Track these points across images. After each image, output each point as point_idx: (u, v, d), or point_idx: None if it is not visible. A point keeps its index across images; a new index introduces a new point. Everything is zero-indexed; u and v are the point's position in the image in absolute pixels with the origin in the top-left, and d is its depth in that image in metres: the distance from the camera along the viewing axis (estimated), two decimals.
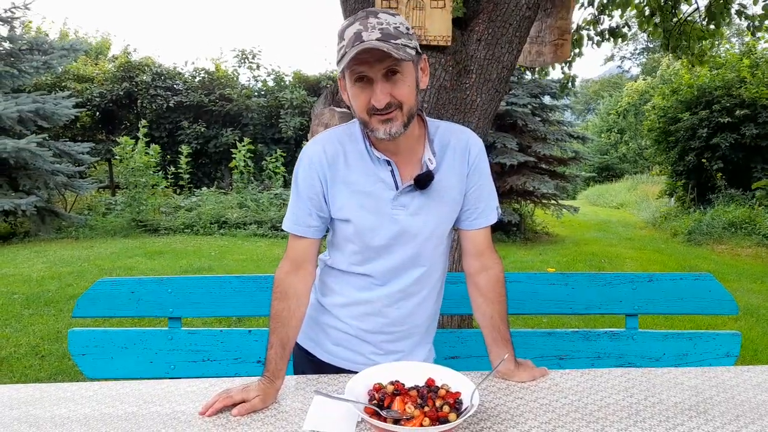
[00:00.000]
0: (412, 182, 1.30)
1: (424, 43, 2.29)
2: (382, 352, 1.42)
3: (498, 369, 1.34)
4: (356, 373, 1.23)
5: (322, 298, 1.45)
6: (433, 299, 1.45)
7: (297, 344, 1.46)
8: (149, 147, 10.96)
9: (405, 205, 1.32)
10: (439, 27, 2.28)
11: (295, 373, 1.48)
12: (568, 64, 5.25)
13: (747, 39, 12.97)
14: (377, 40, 1.15)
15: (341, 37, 1.21)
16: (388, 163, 1.31)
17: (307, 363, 1.47)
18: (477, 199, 1.40)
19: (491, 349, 1.42)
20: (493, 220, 1.43)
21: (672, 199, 13.05)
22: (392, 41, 1.16)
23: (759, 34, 4.72)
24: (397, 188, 1.31)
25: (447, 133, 1.38)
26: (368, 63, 1.17)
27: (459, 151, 1.37)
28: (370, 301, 1.38)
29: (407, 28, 1.21)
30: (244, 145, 11.63)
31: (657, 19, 4.75)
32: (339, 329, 1.42)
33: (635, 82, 26.32)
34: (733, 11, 4.59)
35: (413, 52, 1.21)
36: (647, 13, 4.79)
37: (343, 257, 1.39)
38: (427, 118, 1.36)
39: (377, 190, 1.31)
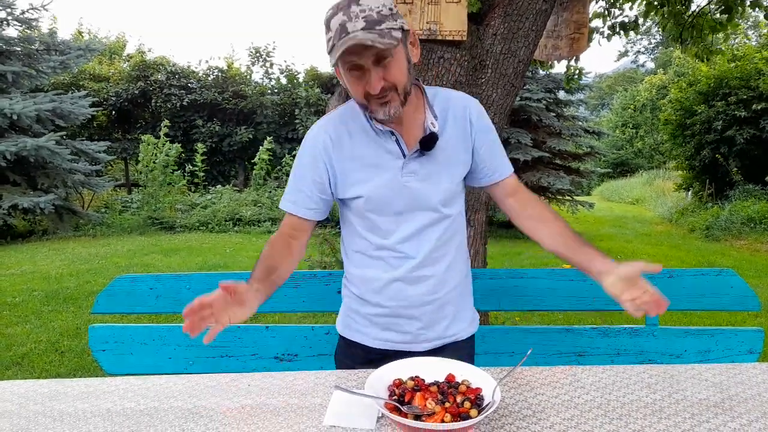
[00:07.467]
0: (418, 146, 1.32)
1: (440, 38, 2.28)
2: (429, 323, 1.42)
3: (606, 288, 1.25)
4: (408, 354, 1.26)
5: (358, 290, 1.45)
6: (462, 260, 1.47)
7: (345, 339, 1.50)
8: (171, 146, 11.10)
9: (415, 172, 1.34)
10: (454, 22, 2.26)
11: (343, 367, 1.48)
12: (574, 57, 5.18)
13: (764, 31, 12.75)
14: (362, 30, 1.17)
15: (328, 27, 1.23)
16: (392, 133, 1.33)
17: (358, 354, 1.47)
18: (492, 155, 1.43)
19: (582, 262, 1.32)
20: (511, 169, 1.46)
21: (689, 194, 12.89)
22: (377, 28, 1.18)
23: None
24: (404, 156, 1.33)
25: (444, 98, 1.41)
26: (357, 53, 1.20)
27: (459, 113, 1.40)
28: (401, 277, 1.38)
29: (390, 9, 1.22)
30: (265, 147, 11.70)
31: (665, 13, 4.66)
32: (384, 315, 1.42)
33: (654, 75, 25.98)
34: (747, 2, 4.49)
35: (399, 34, 1.22)
36: (656, 4, 4.70)
37: (362, 239, 1.40)
38: (424, 86, 1.39)
39: (385, 162, 1.34)
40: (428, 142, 1.32)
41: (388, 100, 1.25)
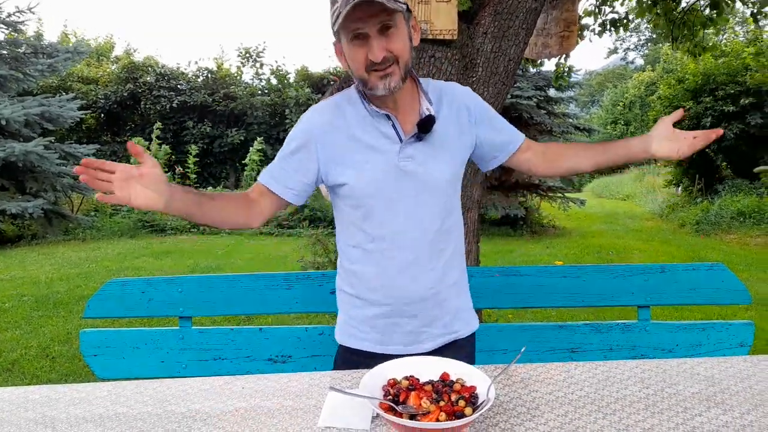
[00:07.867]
0: (416, 131, 1.33)
1: (430, 37, 2.28)
2: (429, 320, 1.40)
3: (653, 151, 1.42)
4: (410, 356, 1.26)
5: (353, 290, 1.43)
6: (459, 254, 1.46)
7: (346, 347, 1.46)
8: (160, 148, 11.04)
9: (412, 156, 1.34)
10: (444, 21, 2.26)
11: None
12: (563, 55, 5.19)
13: (752, 27, 12.84)
14: None
15: (334, 1, 1.25)
16: (388, 117, 1.34)
17: (361, 362, 1.42)
18: (499, 131, 1.47)
19: (622, 155, 1.45)
20: (521, 134, 1.50)
21: (679, 189, 12.98)
22: None
23: (763, 22, 4.64)
24: (401, 141, 1.34)
25: (437, 88, 1.44)
26: (363, 19, 1.22)
27: (455, 101, 1.42)
28: (398, 271, 1.36)
29: None
30: (255, 148, 11.66)
31: (659, 10, 4.69)
32: (382, 315, 1.40)
33: (642, 72, 26.15)
34: None
35: (404, 7, 1.27)
36: (648, 2, 4.73)
37: (358, 230, 1.38)
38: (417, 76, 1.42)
39: (381, 145, 1.34)
40: (426, 124, 1.33)
41: (389, 72, 1.26)
